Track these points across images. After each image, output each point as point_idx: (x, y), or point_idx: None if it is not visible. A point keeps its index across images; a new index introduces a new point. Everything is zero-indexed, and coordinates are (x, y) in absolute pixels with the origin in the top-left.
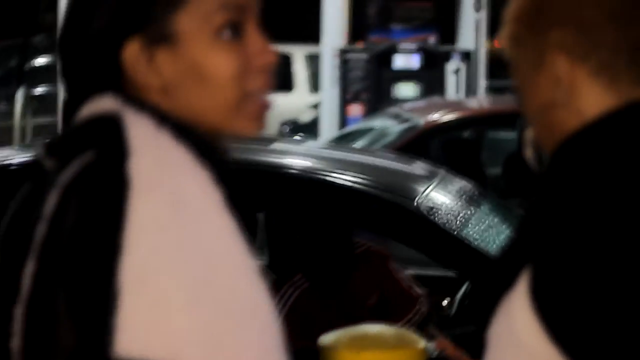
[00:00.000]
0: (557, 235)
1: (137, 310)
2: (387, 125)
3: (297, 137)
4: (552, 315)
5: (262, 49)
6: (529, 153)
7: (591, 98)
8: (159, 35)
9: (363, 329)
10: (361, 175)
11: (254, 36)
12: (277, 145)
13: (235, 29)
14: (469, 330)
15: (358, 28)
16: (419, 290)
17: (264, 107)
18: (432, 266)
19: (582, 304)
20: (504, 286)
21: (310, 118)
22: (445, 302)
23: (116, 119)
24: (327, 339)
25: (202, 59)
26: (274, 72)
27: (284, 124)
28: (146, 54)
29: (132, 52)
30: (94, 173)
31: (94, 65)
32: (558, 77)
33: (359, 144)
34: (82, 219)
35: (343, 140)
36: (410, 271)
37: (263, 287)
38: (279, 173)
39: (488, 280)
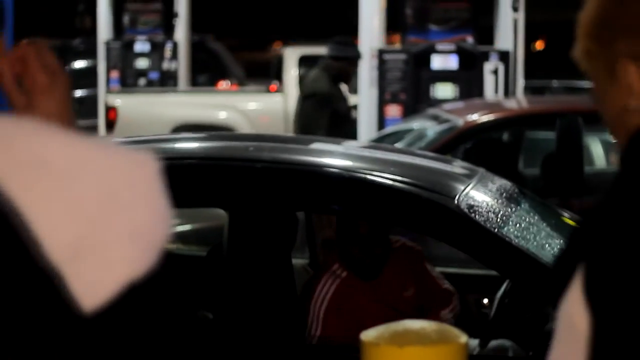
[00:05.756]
0: (609, 234)
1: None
2: (426, 126)
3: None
4: (595, 299)
5: None
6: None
7: None
8: None
9: (405, 324)
10: (401, 174)
11: None
12: (316, 145)
13: None
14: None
15: (395, 29)
16: (451, 287)
17: None
18: (472, 264)
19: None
20: (565, 283)
21: None
22: (485, 301)
23: None
24: (369, 334)
25: None
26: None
27: None
28: None
29: None
30: None
31: None
32: (630, 85)
33: (398, 145)
34: None
35: (382, 142)
36: (451, 270)
37: None
38: (319, 173)
39: (553, 277)
